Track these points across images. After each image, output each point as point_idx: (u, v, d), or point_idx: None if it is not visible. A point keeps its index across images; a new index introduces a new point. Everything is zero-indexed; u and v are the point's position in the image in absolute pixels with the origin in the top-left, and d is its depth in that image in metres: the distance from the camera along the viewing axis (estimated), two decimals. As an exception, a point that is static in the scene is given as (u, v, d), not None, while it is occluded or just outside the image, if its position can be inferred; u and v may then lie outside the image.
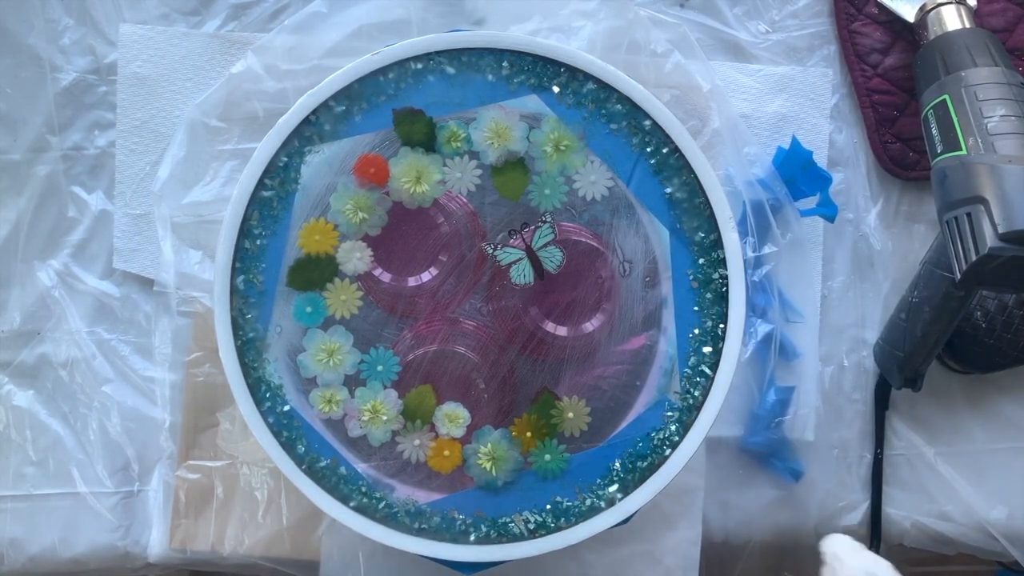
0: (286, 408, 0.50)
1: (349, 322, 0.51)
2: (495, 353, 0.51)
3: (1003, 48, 0.50)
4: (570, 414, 0.51)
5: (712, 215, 0.50)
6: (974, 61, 0.49)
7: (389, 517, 0.50)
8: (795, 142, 0.56)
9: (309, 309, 0.50)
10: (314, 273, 0.50)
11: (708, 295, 0.50)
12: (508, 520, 0.51)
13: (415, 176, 0.50)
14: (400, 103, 0.50)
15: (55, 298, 0.58)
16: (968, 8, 0.53)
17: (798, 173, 0.56)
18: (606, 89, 0.50)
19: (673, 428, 0.50)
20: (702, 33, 0.58)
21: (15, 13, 0.57)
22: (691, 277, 0.51)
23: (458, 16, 0.56)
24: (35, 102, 0.57)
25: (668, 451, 0.50)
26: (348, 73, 0.49)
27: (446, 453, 0.51)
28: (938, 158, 0.48)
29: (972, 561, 0.63)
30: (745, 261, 0.52)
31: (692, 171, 0.50)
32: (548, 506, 0.51)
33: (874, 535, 0.58)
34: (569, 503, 0.50)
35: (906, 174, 0.58)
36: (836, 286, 0.59)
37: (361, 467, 0.51)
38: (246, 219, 0.50)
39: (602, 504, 0.50)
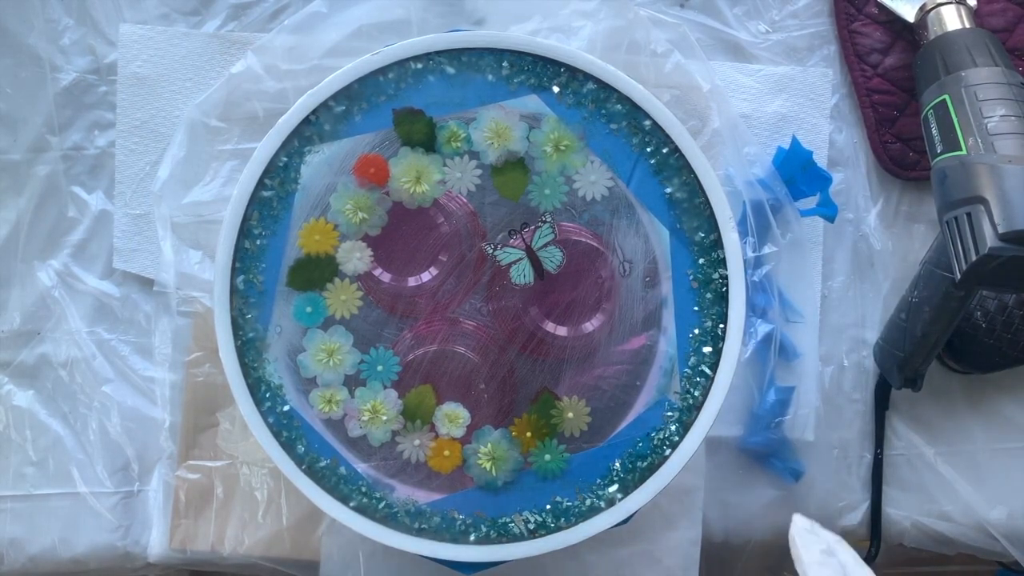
0: (286, 408, 0.50)
1: (349, 322, 0.51)
2: (495, 353, 0.51)
3: (1003, 48, 0.50)
4: (570, 414, 0.51)
5: (712, 215, 0.50)
6: (974, 61, 0.49)
7: (389, 517, 0.50)
8: (795, 142, 0.56)
9: (309, 309, 0.50)
10: (314, 273, 0.50)
11: (708, 295, 0.50)
12: (508, 520, 0.51)
13: (415, 176, 0.50)
14: (400, 103, 0.50)
15: (55, 298, 0.58)
16: (968, 8, 0.53)
17: (798, 173, 0.56)
18: (606, 89, 0.50)
19: (673, 428, 0.50)
20: (702, 33, 0.58)
21: (15, 13, 0.57)
22: (691, 277, 0.51)
23: (458, 16, 0.56)
24: (35, 102, 0.57)
25: (668, 451, 0.50)
26: (348, 73, 0.49)
27: (446, 453, 0.51)
28: (938, 158, 0.48)
29: (972, 561, 0.63)
30: (745, 261, 0.52)
31: (692, 171, 0.50)
32: (548, 506, 0.51)
33: (874, 535, 0.58)
34: (569, 503, 0.50)
35: (906, 174, 0.58)
36: (836, 286, 0.59)
37: (361, 467, 0.51)
38: (246, 219, 0.50)
39: (602, 504, 0.50)
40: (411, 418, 0.51)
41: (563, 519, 0.50)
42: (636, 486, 0.50)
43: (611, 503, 0.50)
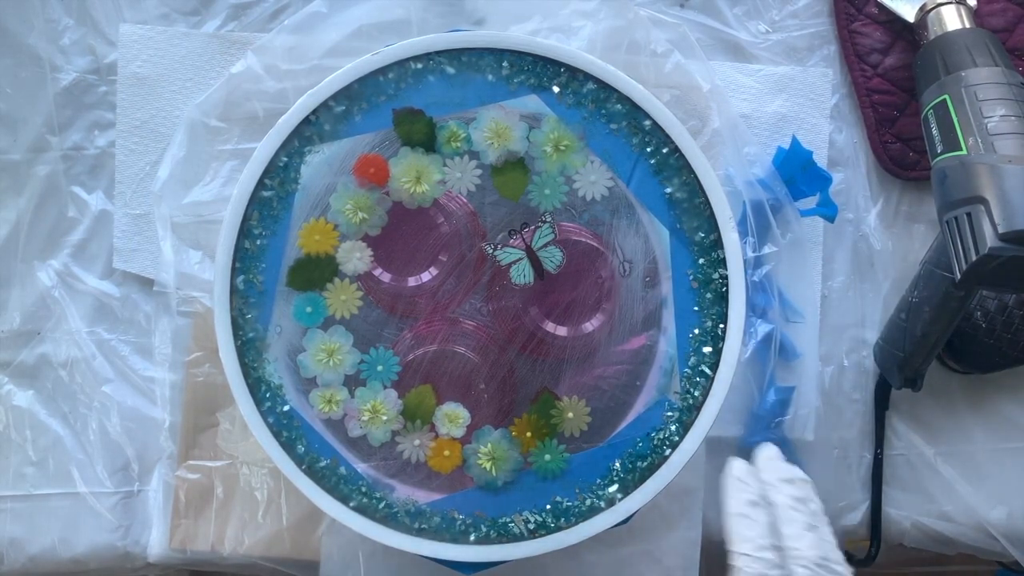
0: (286, 408, 0.50)
1: (349, 322, 0.51)
2: (495, 353, 0.51)
3: (1003, 48, 0.50)
4: (570, 414, 0.51)
5: (712, 215, 0.50)
6: (974, 61, 0.49)
7: (389, 517, 0.50)
8: (795, 142, 0.56)
9: (309, 309, 0.50)
10: (314, 273, 0.50)
11: (708, 295, 0.50)
12: (508, 520, 0.51)
13: (415, 176, 0.50)
14: (400, 103, 0.50)
15: (55, 298, 0.58)
16: (968, 8, 0.53)
17: (798, 173, 0.56)
18: (606, 89, 0.50)
19: (673, 428, 0.50)
20: (702, 33, 0.58)
21: (15, 13, 0.57)
22: (691, 277, 0.51)
23: (458, 16, 0.56)
24: (35, 102, 0.57)
25: (668, 451, 0.50)
26: (348, 73, 0.49)
27: (446, 453, 0.51)
28: (938, 158, 0.48)
29: (972, 561, 0.63)
30: (745, 261, 0.52)
31: (692, 171, 0.50)
32: (548, 506, 0.51)
33: (874, 535, 0.58)
34: (569, 503, 0.50)
35: (906, 174, 0.58)
36: (836, 286, 0.59)
37: (361, 467, 0.51)
38: (246, 219, 0.50)
39: (602, 504, 0.50)
40: (411, 418, 0.51)
41: (563, 519, 0.50)
42: (636, 486, 0.50)
43: (611, 503, 0.50)
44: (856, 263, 0.59)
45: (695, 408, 0.50)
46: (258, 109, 0.56)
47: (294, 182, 0.50)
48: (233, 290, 0.50)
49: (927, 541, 0.59)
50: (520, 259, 0.51)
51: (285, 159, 0.50)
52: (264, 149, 0.50)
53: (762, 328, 0.55)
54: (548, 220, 0.51)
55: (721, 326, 0.50)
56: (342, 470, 0.50)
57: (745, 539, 0.39)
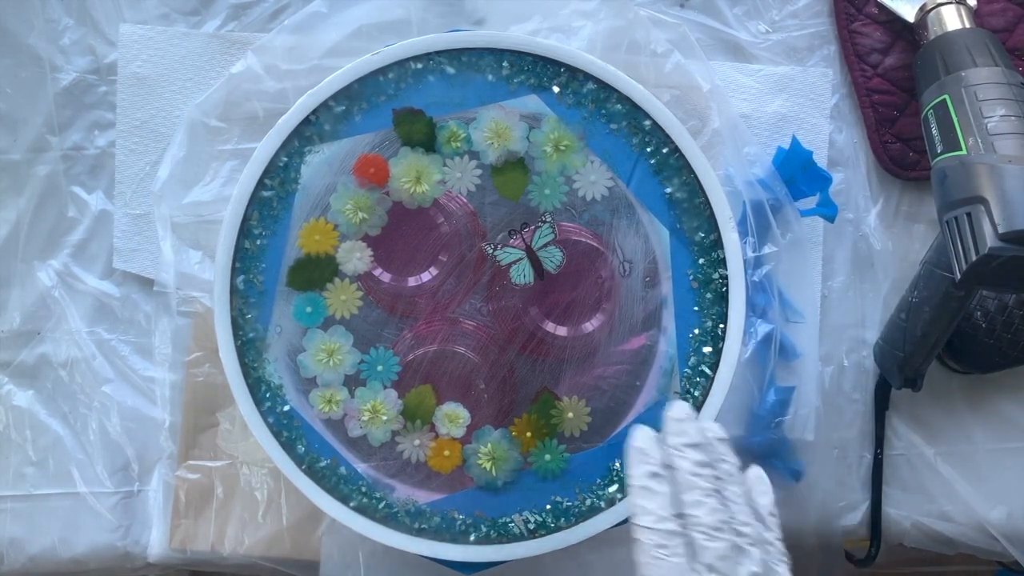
0: (286, 408, 0.50)
1: (349, 322, 0.51)
2: (495, 353, 0.51)
3: (1003, 48, 0.50)
4: (570, 414, 0.51)
5: (712, 215, 0.50)
6: (974, 61, 0.49)
7: (389, 517, 0.50)
8: (795, 142, 0.56)
9: (309, 309, 0.50)
10: (314, 273, 0.50)
11: (708, 295, 0.50)
12: (508, 520, 0.51)
13: (415, 176, 0.50)
14: (400, 103, 0.50)
15: (55, 298, 0.58)
16: (968, 8, 0.53)
17: (798, 173, 0.56)
18: (606, 89, 0.50)
19: (673, 428, 0.50)
20: (702, 33, 0.58)
21: (15, 13, 0.57)
22: (691, 277, 0.51)
23: (458, 16, 0.56)
24: (35, 102, 0.57)
25: (668, 451, 0.50)
26: (348, 73, 0.49)
27: (446, 453, 0.51)
28: (938, 158, 0.48)
29: (972, 561, 0.63)
30: (745, 261, 0.52)
31: (692, 171, 0.50)
32: (548, 506, 0.51)
33: (874, 535, 0.58)
34: (569, 503, 0.50)
35: (906, 174, 0.58)
36: (836, 286, 0.59)
37: (361, 467, 0.51)
38: (246, 219, 0.50)
39: (602, 504, 0.50)
40: (411, 418, 0.51)
41: (563, 519, 0.50)
42: (636, 486, 0.50)
43: (611, 503, 0.50)
44: (856, 263, 0.59)
45: (695, 408, 0.50)
46: (258, 109, 0.56)
47: (294, 182, 0.50)
48: (233, 290, 0.50)
49: (927, 541, 0.59)
50: (520, 259, 0.51)
51: (285, 159, 0.50)
52: (264, 149, 0.50)
53: (762, 328, 0.55)
54: (548, 220, 0.51)
55: (721, 326, 0.50)
56: (342, 470, 0.50)
57: (645, 511, 0.39)
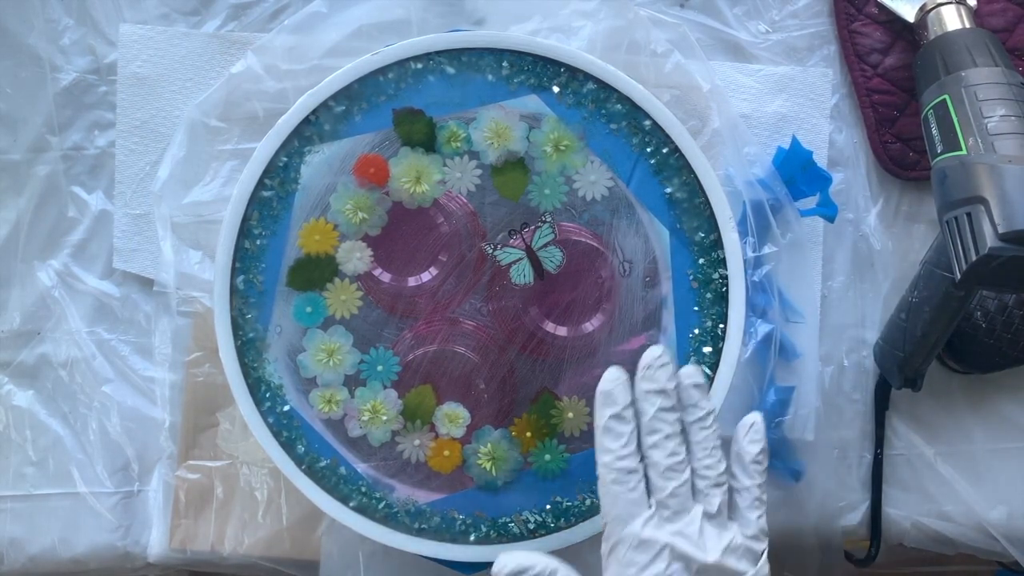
0: (286, 408, 0.50)
1: (349, 322, 0.51)
2: (495, 353, 0.51)
3: (1003, 48, 0.50)
4: (570, 414, 0.51)
5: (712, 215, 0.50)
6: (974, 61, 0.49)
7: (389, 517, 0.50)
8: (795, 142, 0.56)
9: (309, 309, 0.50)
10: (314, 273, 0.50)
11: (708, 295, 0.50)
12: (508, 520, 0.51)
13: (415, 176, 0.50)
14: (400, 103, 0.50)
15: (55, 298, 0.58)
16: (968, 8, 0.53)
17: (798, 173, 0.56)
18: (606, 89, 0.50)
19: (673, 428, 0.50)
20: (702, 33, 0.58)
21: (15, 13, 0.57)
22: (691, 277, 0.51)
23: (458, 16, 0.56)
24: (35, 102, 0.57)
25: (668, 451, 0.50)
26: (348, 73, 0.49)
27: (446, 453, 0.51)
28: (938, 158, 0.48)
29: (972, 561, 0.63)
30: (745, 261, 0.52)
31: (692, 171, 0.50)
32: (548, 506, 0.51)
33: (874, 535, 0.58)
34: (569, 503, 0.50)
35: (906, 174, 0.58)
36: (836, 286, 0.59)
37: (361, 467, 0.51)
38: (246, 219, 0.50)
39: (602, 504, 0.50)
40: (411, 418, 0.51)
41: (563, 519, 0.50)
42: (636, 486, 0.50)
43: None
44: (856, 263, 0.59)
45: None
46: (258, 109, 0.56)
47: (294, 182, 0.50)
48: (233, 290, 0.50)
49: (927, 541, 0.59)
50: (520, 259, 0.51)
51: (285, 159, 0.50)
52: (264, 149, 0.50)
53: (762, 328, 0.55)
54: (548, 220, 0.51)
55: (721, 326, 0.50)
56: (342, 470, 0.50)
57: (606, 450, 0.42)
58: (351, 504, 0.50)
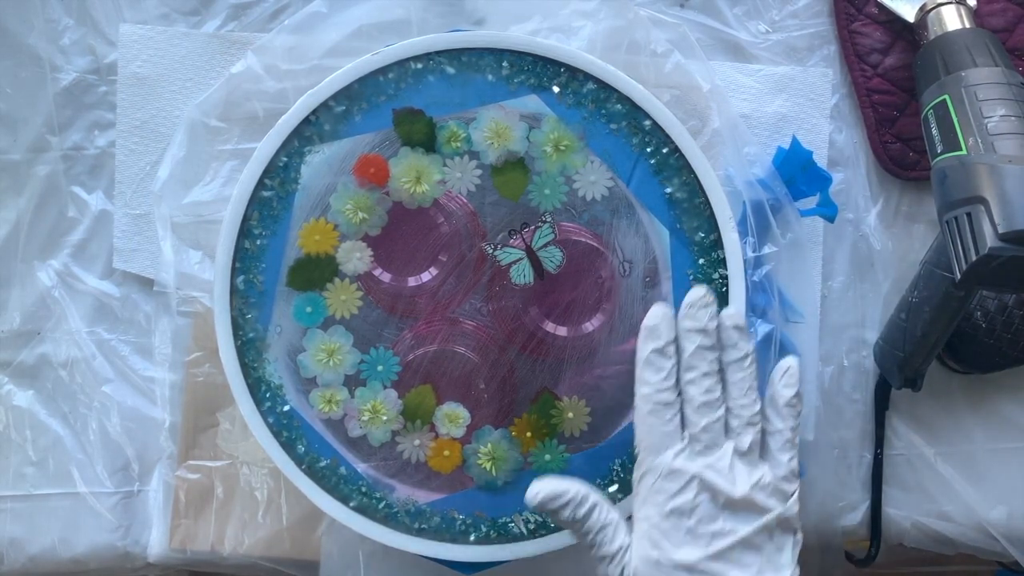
0: (286, 408, 0.50)
1: (349, 322, 0.51)
2: (495, 353, 0.51)
3: (1003, 48, 0.50)
4: (570, 414, 0.51)
5: (712, 215, 0.50)
6: (974, 61, 0.49)
7: (389, 517, 0.50)
8: (795, 142, 0.56)
9: (309, 309, 0.50)
10: (314, 273, 0.50)
11: (708, 295, 0.50)
12: (508, 520, 0.51)
13: (415, 176, 0.50)
14: (400, 103, 0.50)
15: (55, 298, 0.58)
16: (968, 8, 0.53)
17: (798, 173, 0.56)
18: (606, 89, 0.50)
19: (673, 428, 0.50)
20: (702, 33, 0.58)
21: (15, 13, 0.57)
22: (691, 277, 0.51)
23: (458, 16, 0.56)
24: (35, 102, 0.57)
25: (668, 451, 0.50)
26: (348, 73, 0.49)
27: (446, 453, 0.51)
28: (938, 158, 0.48)
29: (972, 561, 0.63)
30: (745, 261, 0.52)
31: (692, 171, 0.50)
32: (548, 506, 0.51)
33: (874, 535, 0.58)
34: (569, 503, 0.50)
35: (906, 174, 0.58)
36: (836, 286, 0.59)
37: (361, 467, 0.51)
38: (246, 219, 0.50)
39: (602, 504, 0.50)
40: (411, 418, 0.51)
41: (563, 519, 0.50)
42: (636, 486, 0.50)
43: (612, 503, 0.50)
44: (856, 263, 0.59)
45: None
46: (258, 109, 0.56)
47: (294, 182, 0.50)
48: (233, 290, 0.50)
49: (927, 541, 0.59)
50: (520, 259, 0.51)
51: (285, 159, 0.50)
52: (264, 149, 0.50)
53: (762, 328, 0.55)
54: (548, 220, 0.51)
55: (721, 326, 0.50)
56: (342, 470, 0.50)
57: (645, 382, 0.43)
58: (351, 504, 0.50)
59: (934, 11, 0.53)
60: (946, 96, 0.49)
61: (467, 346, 0.51)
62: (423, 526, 0.50)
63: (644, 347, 0.44)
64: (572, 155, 0.50)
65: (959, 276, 0.45)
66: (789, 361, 0.45)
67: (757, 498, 0.42)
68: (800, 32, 0.59)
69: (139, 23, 0.57)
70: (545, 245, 0.51)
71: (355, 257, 0.50)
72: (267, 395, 0.50)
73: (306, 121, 0.50)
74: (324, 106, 0.50)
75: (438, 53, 0.50)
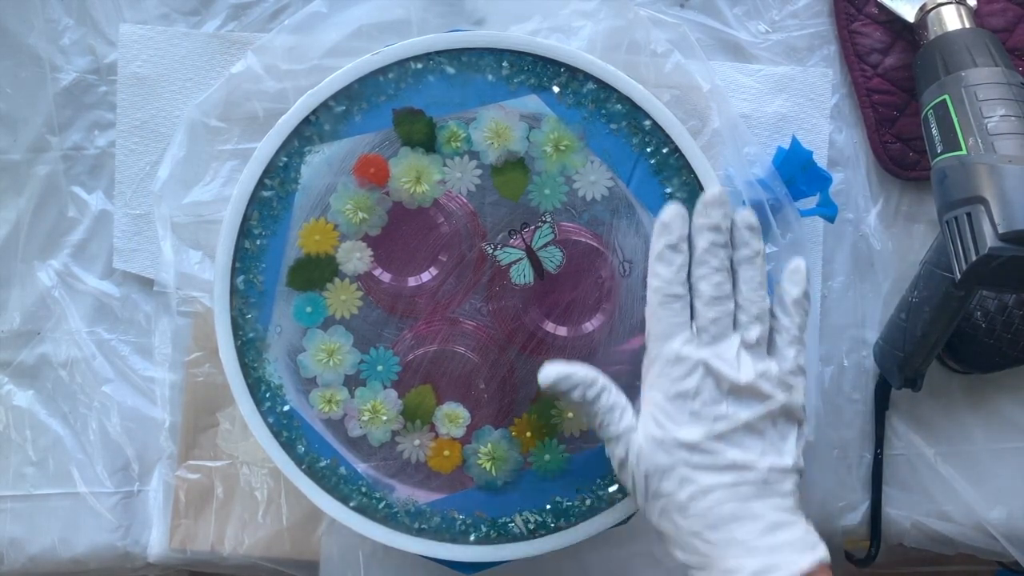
0: (286, 408, 0.50)
1: (349, 322, 0.51)
2: (495, 353, 0.51)
3: (1003, 48, 0.50)
4: (570, 414, 0.51)
5: (712, 215, 0.50)
6: (974, 61, 0.49)
7: (389, 517, 0.50)
8: (795, 142, 0.56)
9: (309, 309, 0.50)
10: (314, 273, 0.50)
11: (708, 295, 0.50)
12: (508, 520, 0.51)
13: (415, 176, 0.50)
14: (400, 103, 0.50)
15: (55, 298, 0.58)
16: (968, 8, 0.53)
17: (798, 173, 0.56)
18: (606, 89, 0.50)
19: (673, 428, 0.50)
20: (702, 33, 0.58)
21: (15, 13, 0.57)
22: (691, 277, 0.50)
23: (458, 16, 0.56)
24: (35, 102, 0.57)
25: (668, 451, 0.50)
26: (348, 73, 0.49)
27: (446, 453, 0.51)
28: (938, 158, 0.48)
29: (972, 561, 0.63)
30: (745, 261, 0.52)
31: (692, 171, 0.50)
32: (548, 506, 0.51)
33: (874, 535, 0.58)
34: (569, 503, 0.50)
35: (906, 174, 0.58)
36: (836, 286, 0.59)
37: (361, 467, 0.51)
38: (246, 219, 0.50)
39: (602, 504, 0.50)
40: (411, 418, 0.51)
41: (563, 519, 0.50)
42: (636, 486, 0.50)
43: (611, 503, 0.50)
44: (856, 263, 0.59)
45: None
46: (258, 109, 0.56)
47: (294, 182, 0.50)
48: (233, 290, 0.50)
49: (927, 541, 0.59)
50: (520, 259, 0.51)
51: (285, 159, 0.50)
52: (264, 149, 0.50)
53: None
54: (548, 220, 0.51)
55: (721, 326, 0.50)
56: (342, 470, 0.50)
57: (657, 275, 0.44)
58: (351, 504, 0.50)
59: (934, 11, 0.53)
60: (946, 96, 0.49)
61: (467, 346, 0.51)
62: (423, 526, 0.50)
63: (657, 242, 0.44)
64: (572, 155, 0.50)
65: (959, 276, 0.45)
66: (797, 261, 0.45)
67: (762, 386, 0.43)
68: (800, 32, 0.59)
69: (139, 23, 0.57)
70: (545, 245, 0.51)
71: (355, 257, 0.50)
72: (267, 395, 0.50)
73: (306, 121, 0.50)
74: (324, 106, 0.50)
75: (438, 53, 0.50)
